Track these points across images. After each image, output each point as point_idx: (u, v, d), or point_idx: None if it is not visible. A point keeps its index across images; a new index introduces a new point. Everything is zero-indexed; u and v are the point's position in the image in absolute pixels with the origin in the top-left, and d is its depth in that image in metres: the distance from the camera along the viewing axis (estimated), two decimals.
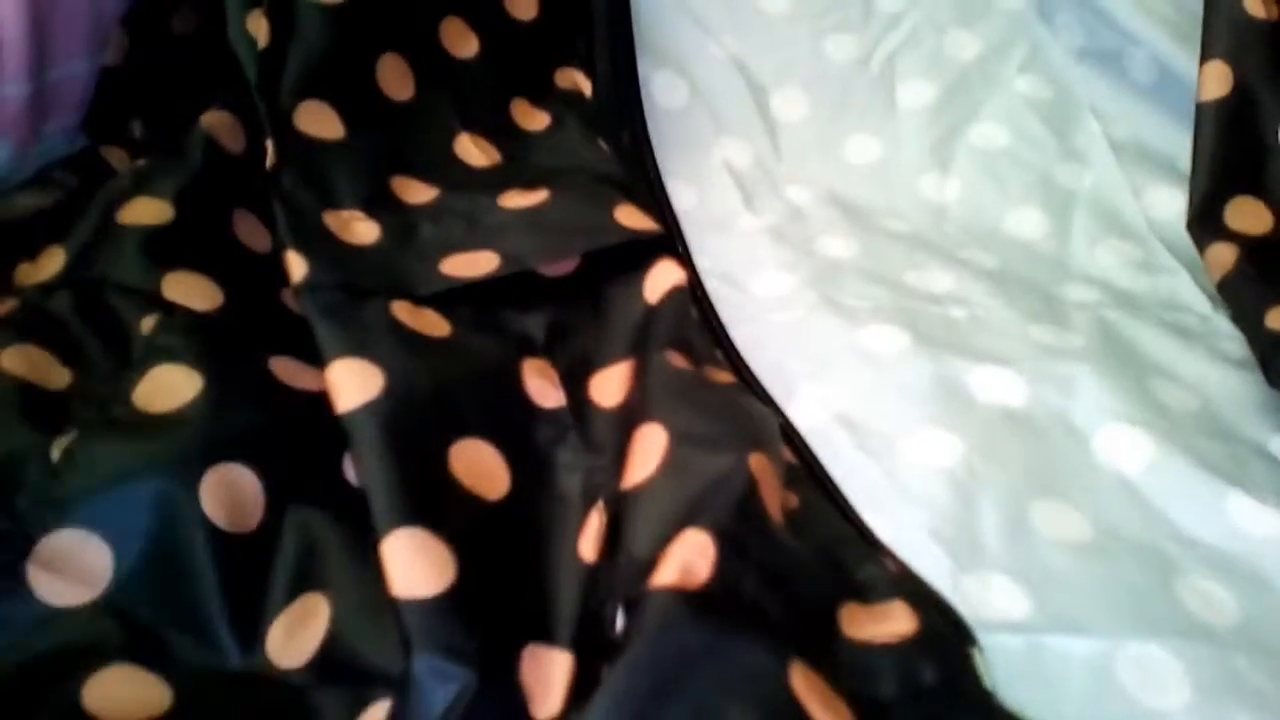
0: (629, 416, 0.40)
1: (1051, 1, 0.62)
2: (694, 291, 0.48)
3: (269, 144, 0.45)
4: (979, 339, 0.48)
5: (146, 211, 0.43)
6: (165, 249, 0.43)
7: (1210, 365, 0.47)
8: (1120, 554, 0.38)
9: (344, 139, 0.47)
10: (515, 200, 0.48)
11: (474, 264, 0.44)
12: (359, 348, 0.38)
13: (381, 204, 0.47)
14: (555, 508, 0.38)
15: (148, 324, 0.40)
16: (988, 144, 0.61)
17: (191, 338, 0.40)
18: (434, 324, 0.42)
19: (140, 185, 0.45)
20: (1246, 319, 0.48)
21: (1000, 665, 0.34)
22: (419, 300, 0.42)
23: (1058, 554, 0.38)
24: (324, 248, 0.43)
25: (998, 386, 0.45)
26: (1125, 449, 0.42)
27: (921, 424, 0.43)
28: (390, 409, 0.36)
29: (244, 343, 0.41)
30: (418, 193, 0.48)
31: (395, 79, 0.50)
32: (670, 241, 0.50)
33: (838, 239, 0.55)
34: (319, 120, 0.47)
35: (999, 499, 0.40)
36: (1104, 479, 0.42)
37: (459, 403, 0.38)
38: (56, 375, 0.39)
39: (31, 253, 0.45)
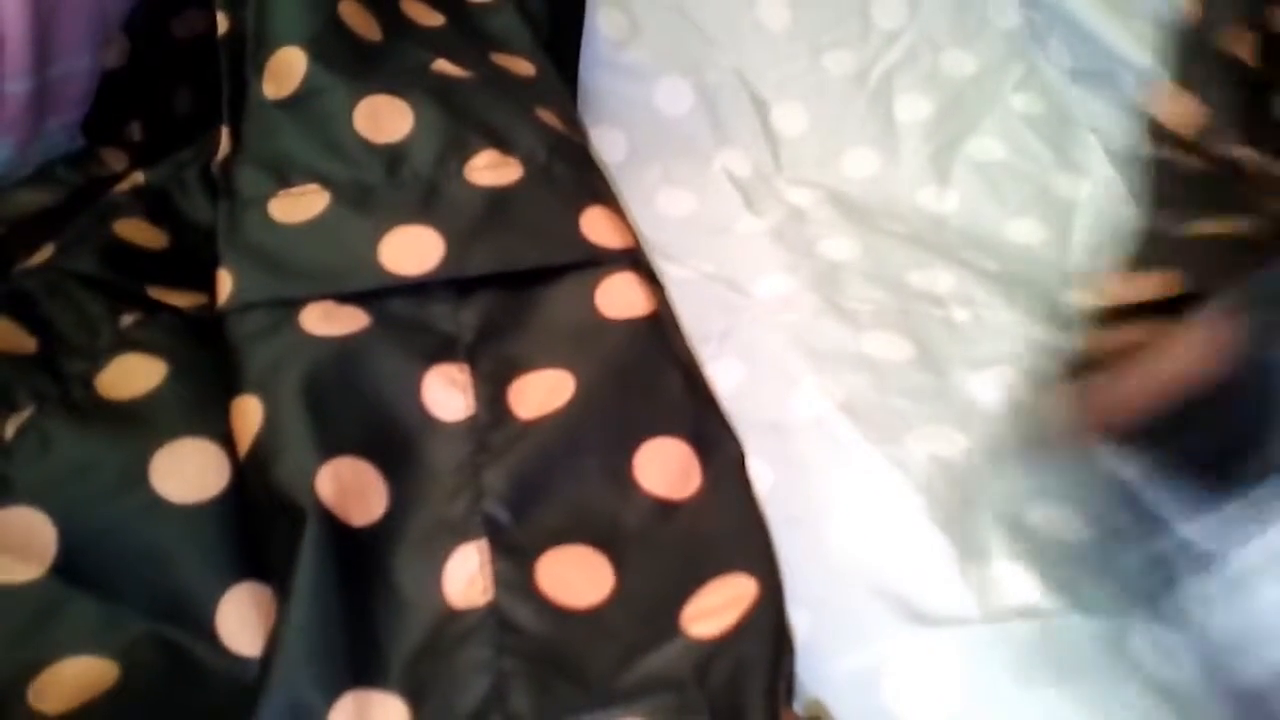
0: (543, 435, 0.38)
1: (1042, 24, 0.63)
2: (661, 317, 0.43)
3: (223, 132, 0.44)
4: (982, 340, 0.48)
5: (140, 233, 0.44)
6: (153, 267, 0.43)
7: None
8: (1121, 557, 0.38)
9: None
10: (484, 175, 0.44)
11: (416, 252, 0.42)
12: (255, 386, 0.37)
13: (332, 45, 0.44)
14: (429, 536, 0.35)
15: (127, 319, 0.40)
16: (986, 157, 0.61)
17: (167, 331, 0.39)
18: (349, 319, 0.40)
19: (141, 205, 0.45)
20: None
21: (1013, 651, 0.34)
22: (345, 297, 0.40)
23: (1059, 554, 0.38)
24: (258, 253, 0.41)
25: (1000, 387, 0.45)
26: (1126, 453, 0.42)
27: (925, 420, 0.43)
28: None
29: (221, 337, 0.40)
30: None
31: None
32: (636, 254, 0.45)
33: (839, 240, 0.55)
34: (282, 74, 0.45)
35: (1000, 500, 0.40)
36: (1104, 482, 0.41)
37: (338, 418, 0.37)
38: (22, 345, 0.38)
39: (31, 250, 0.44)
